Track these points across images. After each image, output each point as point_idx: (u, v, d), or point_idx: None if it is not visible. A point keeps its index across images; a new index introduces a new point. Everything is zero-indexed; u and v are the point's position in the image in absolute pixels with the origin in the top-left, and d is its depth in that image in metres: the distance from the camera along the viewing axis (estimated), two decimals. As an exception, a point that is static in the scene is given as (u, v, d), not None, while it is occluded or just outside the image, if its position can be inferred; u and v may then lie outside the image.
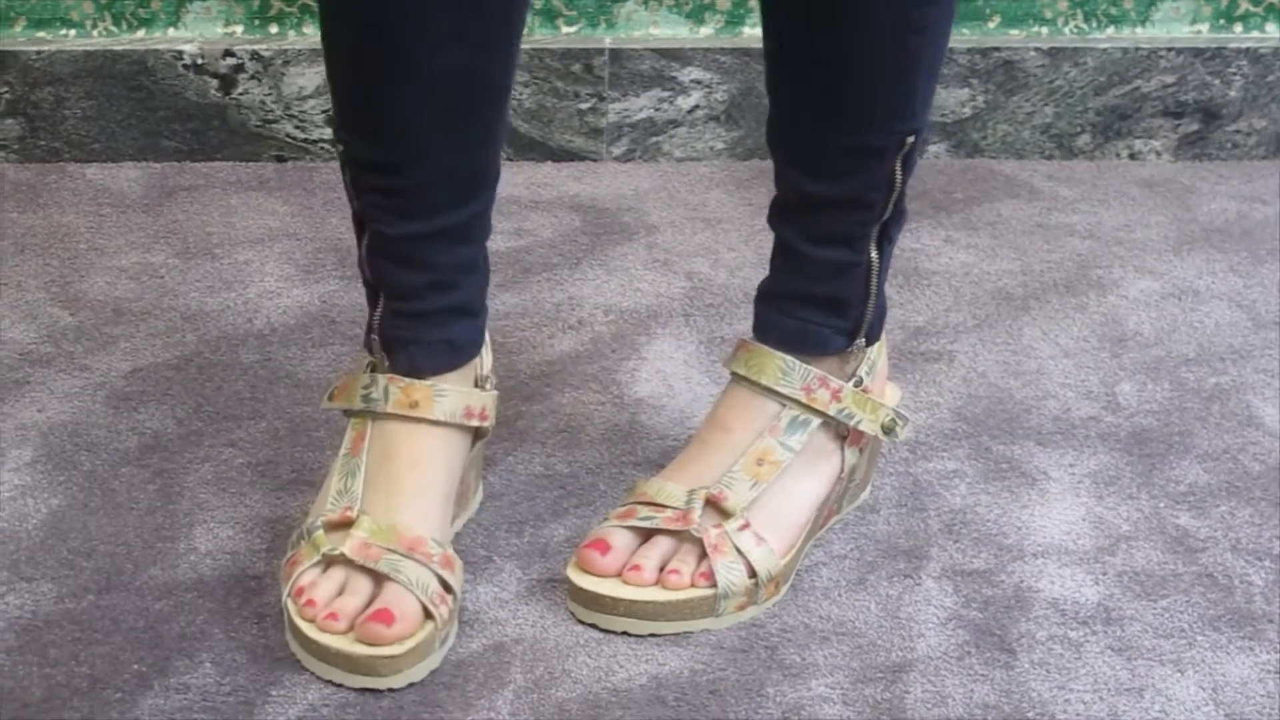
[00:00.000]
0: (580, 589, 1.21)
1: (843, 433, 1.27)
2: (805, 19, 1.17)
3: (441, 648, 1.18)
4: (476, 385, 1.26)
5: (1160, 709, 1.16)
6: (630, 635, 1.20)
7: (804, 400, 1.25)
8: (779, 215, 1.27)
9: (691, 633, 1.21)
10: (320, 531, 1.19)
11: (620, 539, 1.22)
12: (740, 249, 1.71)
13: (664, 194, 1.82)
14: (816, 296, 1.25)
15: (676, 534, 1.22)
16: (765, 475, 1.24)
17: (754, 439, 1.26)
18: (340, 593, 1.17)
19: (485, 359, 1.28)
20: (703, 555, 1.21)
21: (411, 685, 1.15)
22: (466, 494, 1.30)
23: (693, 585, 1.20)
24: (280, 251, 1.68)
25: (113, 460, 1.38)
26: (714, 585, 1.20)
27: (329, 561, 1.18)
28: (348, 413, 1.25)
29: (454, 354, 1.24)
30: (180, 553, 1.28)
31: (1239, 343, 1.57)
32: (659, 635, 1.21)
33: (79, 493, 1.34)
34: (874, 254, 1.24)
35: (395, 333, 1.22)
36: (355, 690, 1.15)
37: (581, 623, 1.21)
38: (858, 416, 1.27)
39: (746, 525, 1.22)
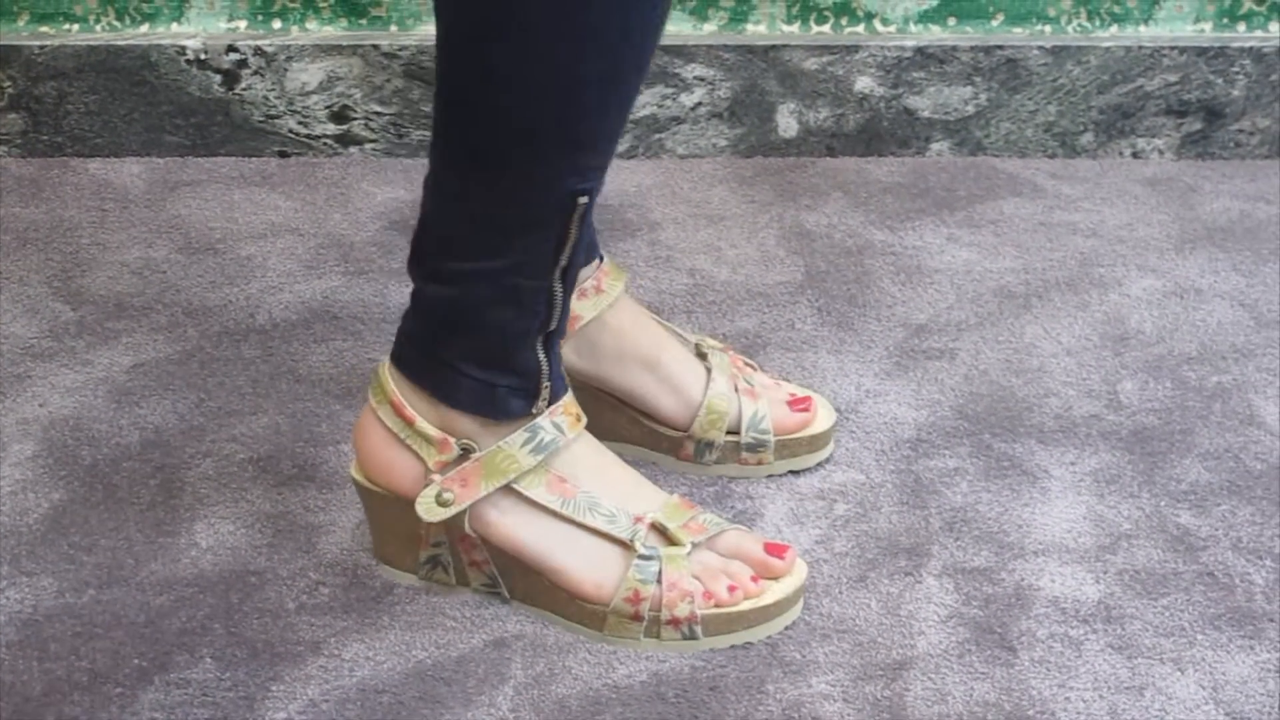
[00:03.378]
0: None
1: None
2: None
3: None
4: None
5: (1160, 707, 1.16)
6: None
7: None
8: None
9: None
10: (653, 549, 1.20)
11: None
12: (742, 246, 1.71)
13: (666, 191, 1.81)
14: None
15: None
16: None
17: None
18: (709, 573, 1.20)
19: None
20: None
21: (412, 680, 1.15)
22: None
23: None
24: (282, 247, 1.68)
25: (114, 455, 1.38)
26: None
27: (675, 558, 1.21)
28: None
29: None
30: (181, 548, 1.28)
31: (1241, 341, 1.57)
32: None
33: (80, 487, 1.34)
34: None
35: (555, 365, 1.20)
36: (355, 686, 1.15)
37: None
38: None
39: None
